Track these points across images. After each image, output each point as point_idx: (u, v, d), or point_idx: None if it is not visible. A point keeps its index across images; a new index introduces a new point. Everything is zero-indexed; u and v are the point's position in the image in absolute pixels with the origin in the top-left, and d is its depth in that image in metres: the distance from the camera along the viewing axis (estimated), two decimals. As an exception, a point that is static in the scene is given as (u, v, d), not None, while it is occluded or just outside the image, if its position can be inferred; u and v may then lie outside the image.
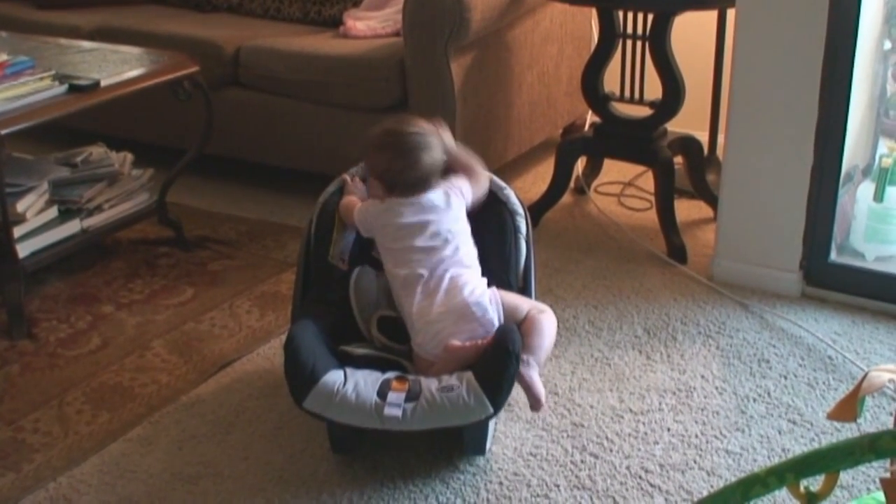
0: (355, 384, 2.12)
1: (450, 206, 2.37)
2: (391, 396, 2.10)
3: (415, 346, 2.29)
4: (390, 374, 2.19)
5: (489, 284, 2.34)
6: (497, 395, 2.10)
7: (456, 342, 2.21)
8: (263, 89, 3.65)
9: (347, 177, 2.55)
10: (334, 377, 2.13)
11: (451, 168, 2.44)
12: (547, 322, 2.30)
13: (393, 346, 2.32)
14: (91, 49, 3.34)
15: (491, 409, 2.09)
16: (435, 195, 2.37)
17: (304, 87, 3.54)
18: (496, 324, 2.26)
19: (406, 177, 2.36)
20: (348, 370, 2.17)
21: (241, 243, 3.37)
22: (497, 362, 2.13)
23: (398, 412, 2.08)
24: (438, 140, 2.41)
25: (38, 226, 2.95)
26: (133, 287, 3.08)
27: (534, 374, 2.23)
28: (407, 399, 2.10)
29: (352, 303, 2.37)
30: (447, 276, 2.28)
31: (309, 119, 3.57)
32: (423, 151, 2.36)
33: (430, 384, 2.13)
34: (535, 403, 2.25)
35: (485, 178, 2.50)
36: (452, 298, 2.25)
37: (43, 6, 4.24)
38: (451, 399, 2.09)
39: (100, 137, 3.58)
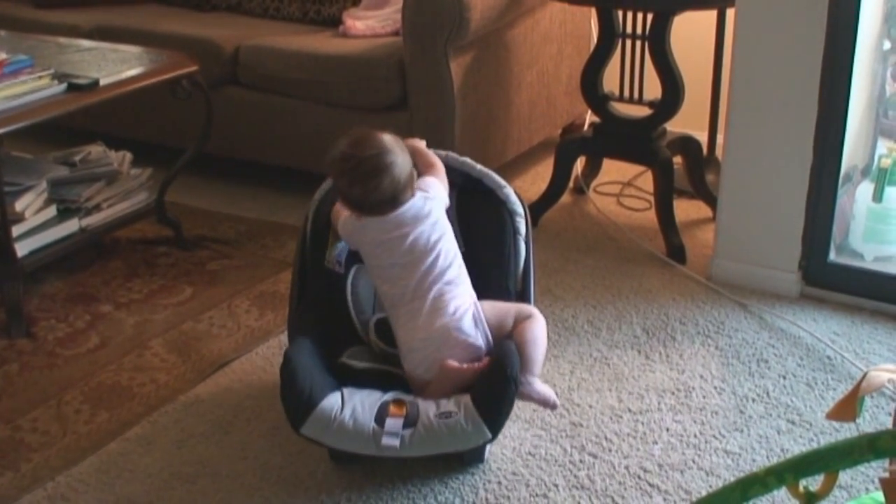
0: (353, 410, 2.09)
1: (429, 213, 2.26)
2: (389, 424, 2.07)
3: (405, 369, 2.24)
4: (388, 397, 2.15)
5: (486, 288, 2.31)
6: (495, 421, 2.08)
7: (454, 363, 2.17)
8: (262, 88, 3.65)
9: None
10: (331, 402, 2.10)
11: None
12: (537, 329, 2.24)
13: (391, 351, 2.29)
14: (90, 48, 3.34)
15: (489, 435, 2.07)
16: (411, 205, 2.25)
17: (303, 87, 3.54)
18: (482, 345, 2.22)
19: (368, 200, 2.23)
20: (346, 392, 2.14)
21: (240, 243, 3.37)
22: (496, 387, 2.10)
23: (396, 442, 2.05)
24: (401, 155, 2.24)
25: (36, 225, 2.95)
26: (132, 286, 3.08)
27: (536, 387, 2.22)
28: (405, 425, 2.07)
29: (349, 306, 2.35)
30: (430, 294, 2.21)
31: (308, 118, 3.57)
32: (382, 174, 2.20)
33: (427, 409, 2.10)
34: (550, 407, 2.27)
35: (441, 165, 2.40)
36: (434, 322, 2.19)
37: (42, 5, 4.23)
38: (449, 426, 2.06)
39: (99, 136, 3.58)
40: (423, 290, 2.21)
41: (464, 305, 2.22)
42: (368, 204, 2.23)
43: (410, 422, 2.08)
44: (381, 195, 2.21)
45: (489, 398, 2.09)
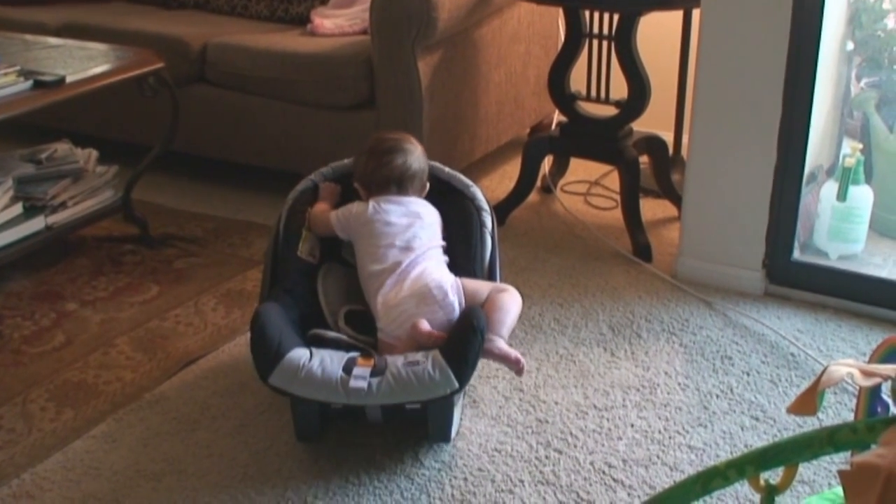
0: (321, 360, 2.14)
1: (432, 220, 2.47)
2: (357, 371, 2.12)
3: (379, 333, 2.32)
4: (355, 353, 2.21)
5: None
6: (462, 369, 2.12)
7: (425, 325, 2.24)
8: (230, 86, 3.64)
9: (319, 181, 2.59)
10: (300, 353, 2.15)
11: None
12: (508, 299, 2.35)
13: (360, 338, 2.34)
14: (57, 45, 3.33)
15: (456, 384, 2.11)
16: (422, 205, 2.48)
17: (270, 85, 3.54)
18: (456, 308, 2.30)
19: (377, 175, 2.48)
20: (314, 349, 2.19)
21: (207, 241, 3.36)
22: (462, 338, 2.17)
23: (363, 384, 2.10)
24: (420, 155, 2.52)
25: (2, 222, 2.93)
26: (97, 284, 3.07)
27: (502, 345, 2.27)
28: (372, 374, 2.12)
29: (320, 297, 2.39)
30: (417, 268, 2.34)
31: (276, 117, 3.57)
32: (395, 154, 2.48)
33: (395, 360, 2.16)
34: (516, 368, 2.29)
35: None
36: (416, 284, 2.31)
37: (8, 2, 4.21)
38: (416, 373, 2.11)
39: (65, 134, 3.56)
40: (411, 267, 2.35)
41: (444, 275, 2.36)
42: (378, 179, 2.48)
43: (378, 371, 2.13)
44: (389, 171, 2.47)
45: (456, 347, 2.15)
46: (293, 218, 2.52)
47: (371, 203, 2.44)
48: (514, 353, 2.28)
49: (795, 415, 2.27)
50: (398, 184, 2.47)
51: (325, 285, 2.42)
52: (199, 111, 3.66)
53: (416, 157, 2.51)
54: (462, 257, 2.48)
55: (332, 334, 2.31)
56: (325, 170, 2.63)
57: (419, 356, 2.15)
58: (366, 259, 2.40)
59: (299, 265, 2.46)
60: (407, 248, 2.38)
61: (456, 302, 2.31)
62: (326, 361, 2.14)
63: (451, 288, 2.32)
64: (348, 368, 2.13)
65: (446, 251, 2.47)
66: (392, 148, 2.49)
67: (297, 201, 2.56)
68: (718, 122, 2.87)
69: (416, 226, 2.42)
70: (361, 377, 2.11)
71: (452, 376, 2.11)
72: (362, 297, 2.41)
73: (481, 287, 2.38)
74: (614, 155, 3.31)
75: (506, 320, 2.32)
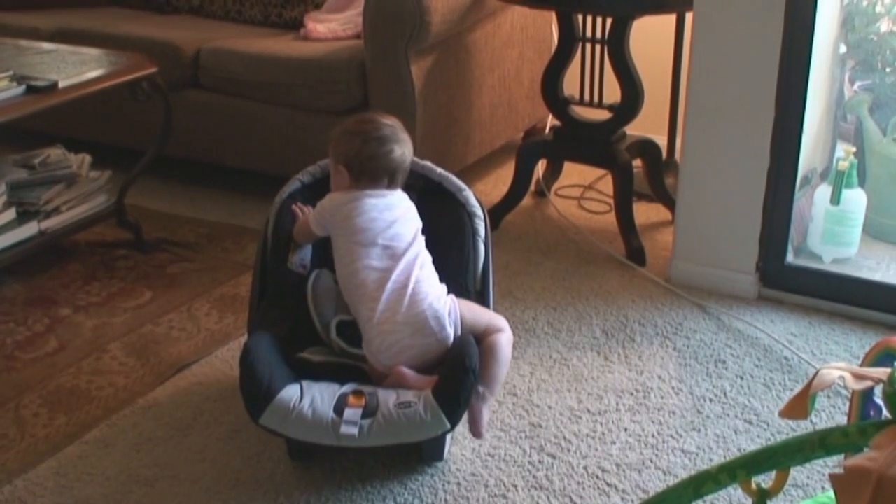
0: (311, 400, 2.09)
1: (413, 214, 2.37)
2: (348, 413, 2.07)
3: (368, 354, 2.24)
4: (347, 388, 2.15)
5: (448, 290, 2.32)
6: (454, 410, 2.08)
7: (407, 372, 2.18)
8: (223, 91, 3.64)
9: (307, 181, 2.54)
10: (291, 393, 2.10)
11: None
12: (504, 344, 2.27)
13: (351, 351, 2.29)
14: (50, 50, 3.33)
15: (448, 425, 2.08)
16: (402, 196, 2.37)
17: (264, 89, 3.54)
18: (451, 337, 2.23)
19: (375, 164, 2.33)
20: (305, 384, 2.14)
21: (200, 245, 3.36)
22: (454, 378, 2.11)
23: (354, 430, 2.06)
24: (410, 143, 2.40)
25: (-5, 227, 2.93)
26: (90, 289, 3.07)
27: (484, 409, 2.22)
28: (364, 415, 2.07)
29: (310, 307, 2.35)
30: (411, 282, 2.24)
31: (269, 121, 3.57)
32: (394, 144, 2.34)
33: (387, 399, 2.10)
34: (475, 433, 2.23)
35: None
36: (413, 308, 2.21)
37: (1, 7, 4.21)
38: (408, 416, 2.07)
39: (58, 139, 3.55)
40: (403, 278, 2.24)
41: (443, 297, 2.26)
42: (375, 168, 2.33)
43: (370, 412, 2.08)
44: (388, 163, 2.33)
45: (448, 388, 2.10)
46: (281, 220, 2.47)
47: (353, 194, 2.33)
48: (484, 426, 2.22)
49: (787, 419, 2.29)
50: (391, 177, 2.35)
51: (315, 295, 2.34)
52: (193, 116, 3.65)
53: (409, 148, 2.39)
54: (454, 266, 2.41)
55: (318, 358, 2.24)
56: (313, 168, 2.57)
57: (411, 396, 2.10)
58: (346, 256, 2.29)
59: (288, 273, 2.41)
60: (390, 248, 2.27)
61: (452, 331, 2.23)
62: (317, 401, 2.09)
63: (450, 316, 2.23)
64: (339, 409, 2.08)
65: (438, 260, 2.38)
66: (390, 137, 2.35)
67: (284, 203, 2.49)
68: (712, 125, 2.87)
69: (398, 221, 2.31)
70: (352, 422, 2.06)
71: (444, 418, 2.07)
72: None
73: (479, 318, 2.29)
74: (608, 159, 3.31)
75: (500, 375, 2.26)
